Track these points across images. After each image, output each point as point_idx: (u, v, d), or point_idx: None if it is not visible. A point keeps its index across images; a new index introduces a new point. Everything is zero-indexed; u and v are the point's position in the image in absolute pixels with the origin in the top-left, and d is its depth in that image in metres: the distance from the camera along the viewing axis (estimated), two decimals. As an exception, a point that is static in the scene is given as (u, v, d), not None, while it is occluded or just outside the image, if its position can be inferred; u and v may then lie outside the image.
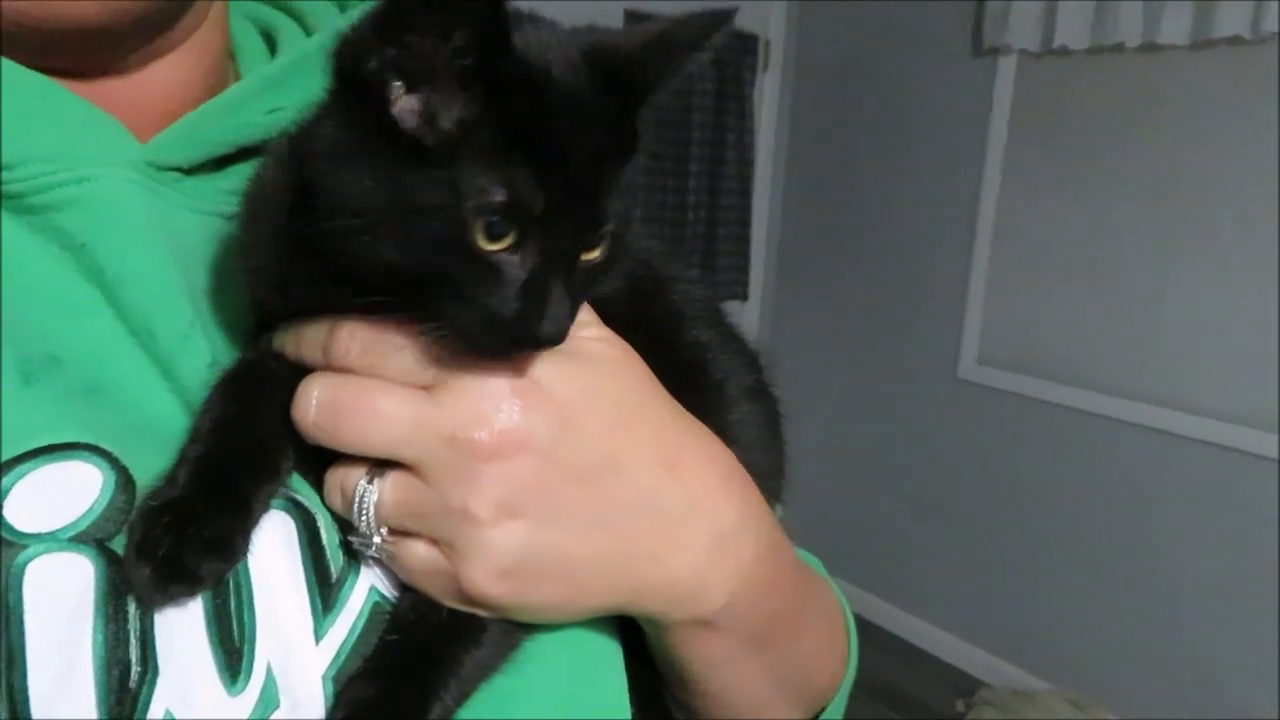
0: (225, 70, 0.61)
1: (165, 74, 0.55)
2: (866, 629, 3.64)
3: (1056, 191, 3.19)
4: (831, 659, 0.68)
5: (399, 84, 0.41)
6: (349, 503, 0.47)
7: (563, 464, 0.47)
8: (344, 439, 0.46)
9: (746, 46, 3.88)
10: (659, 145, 3.70)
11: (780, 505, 0.79)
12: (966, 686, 3.40)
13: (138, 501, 0.44)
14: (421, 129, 0.41)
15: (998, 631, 3.46)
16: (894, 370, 3.76)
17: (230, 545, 0.44)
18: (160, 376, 0.48)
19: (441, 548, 0.47)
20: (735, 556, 0.53)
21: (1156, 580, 3.00)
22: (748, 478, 0.56)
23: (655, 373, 0.53)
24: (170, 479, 0.44)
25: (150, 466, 0.45)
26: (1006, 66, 3.29)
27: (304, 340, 0.48)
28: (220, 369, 0.49)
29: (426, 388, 0.46)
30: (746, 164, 3.97)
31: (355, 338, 0.46)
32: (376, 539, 0.47)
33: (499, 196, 0.42)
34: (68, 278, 0.47)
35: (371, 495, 0.47)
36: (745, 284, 4.11)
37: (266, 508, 0.47)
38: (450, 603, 0.48)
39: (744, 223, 4.04)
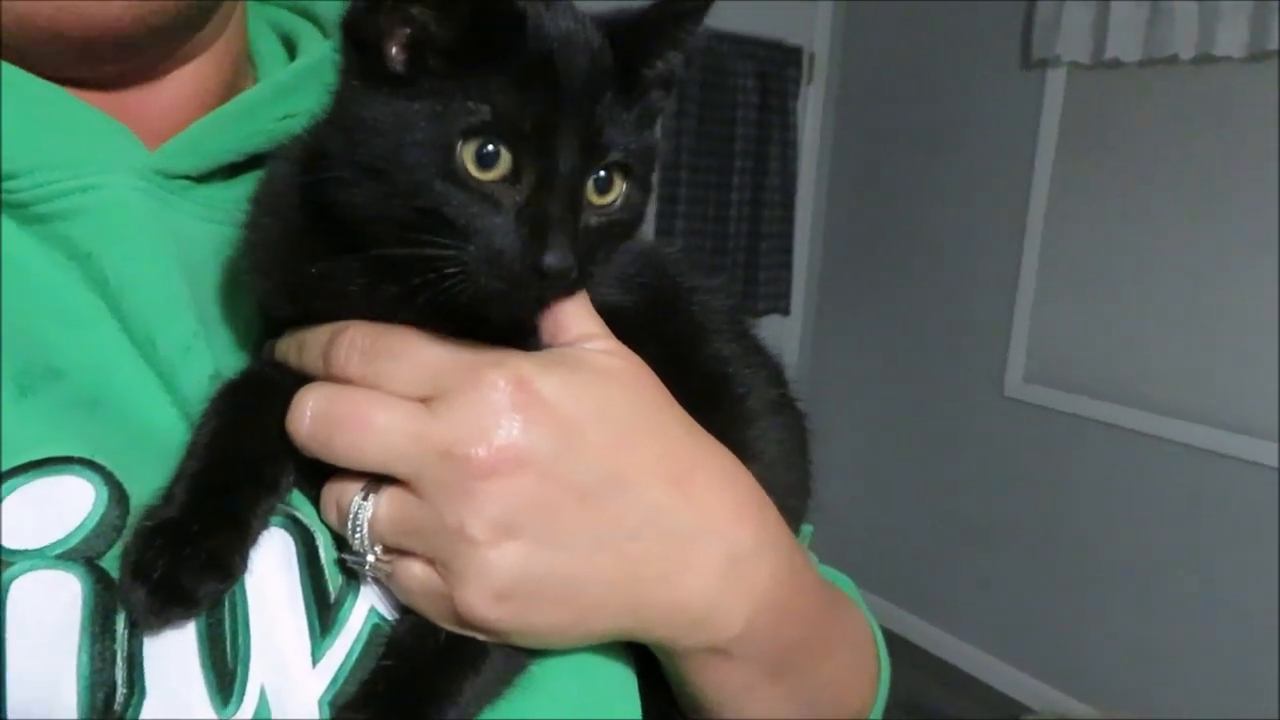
0: (244, 77, 0.60)
1: (184, 82, 0.55)
2: (908, 650, 3.60)
3: (1106, 206, 3.13)
4: (860, 683, 0.65)
5: (390, 30, 0.42)
6: (344, 519, 0.46)
7: (565, 482, 0.45)
8: (338, 452, 0.44)
9: (790, 58, 3.86)
10: (701, 157, 3.69)
11: (808, 523, 0.77)
12: (1010, 711, 3.32)
13: (132, 519, 0.43)
14: (412, 67, 0.42)
15: (1042, 655, 3.38)
16: (939, 387, 3.70)
17: (228, 565, 0.43)
18: (162, 388, 0.47)
19: (437, 568, 0.45)
20: (750, 581, 0.51)
21: (1207, 605, 2.91)
22: (766, 498, 0.54)
23: (672, 387, 0.51)
24: (167, 497, 0.43)
25: (150, 480, 0.44)
26: (1056, 79, 3.23)
27: (306, 347, 0.47)
28: (222, 380, 0.48)
29: (426, 400, 0.44)
30: (789, 176, 3.95)
31: (355, 345, 0.45)
32: (370, 557, 0.46)
33: (484, 115, 0.41)
34: (73, 287, 0.47)
35: (366, 511, 0.45)
36: (787, 298, 4.08)
37: (265, 524, 0.45)
38: (448, 625, 0.46)
39: (787, 236, 4.01)
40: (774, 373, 0.65)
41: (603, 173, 0.45)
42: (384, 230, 0.43)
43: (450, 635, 0.46)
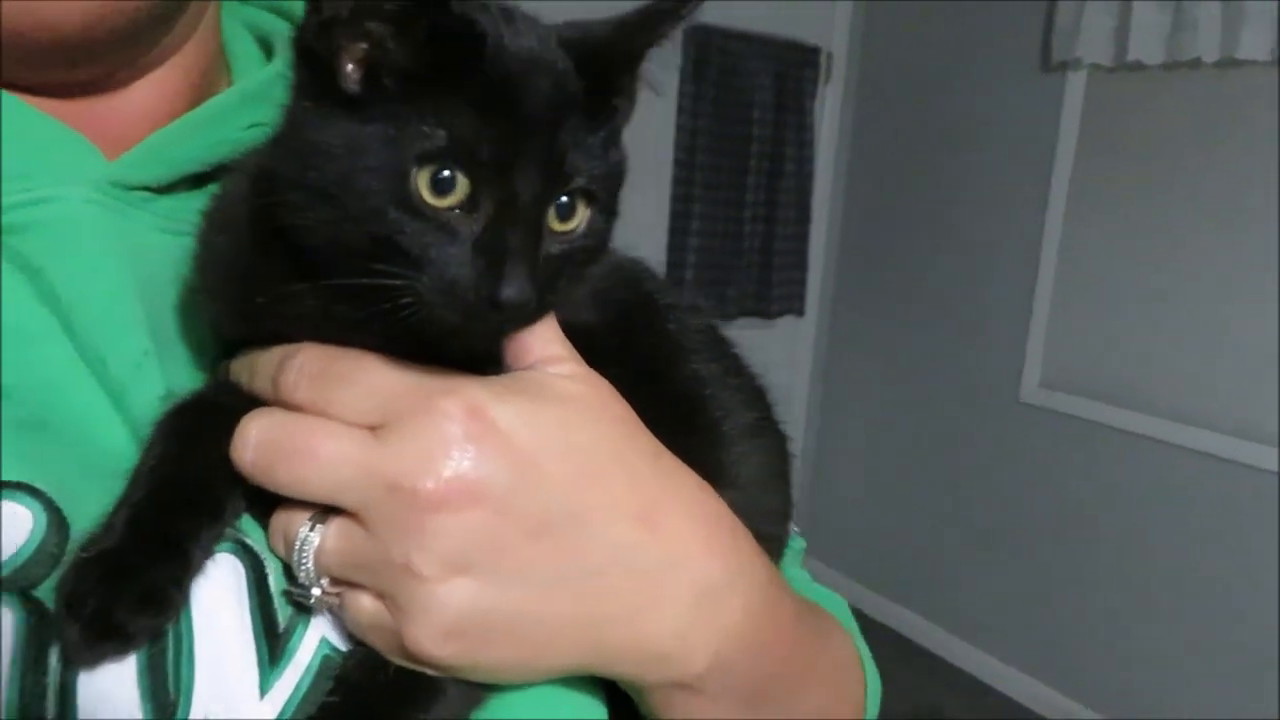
0: (218, 82, 0.58)
1: (151, 89, 0.53)
2: (921, 656, 3.58)
3: (1125, 211, 3.08)
4: (844, 710, 0.63)
5: (344, 46, 0.41)
6: (291, 549, 0.44)
7: (521, 517, 0.43)
8: (282, 482, 0.43)
9: (807, 59, 3.83)
10: (717, 157, 3.67)
11: (801, 538, 0.75)
12: (1022, 717, 3.29)
13: (72, 546, 0.41)
14: (367, 87, 0.41)
15: (1055, 662, 3.34)
16: (954, 392, 3.66)
17: (165, 599, 0.41)
18: (113, 408, 0.46)
19: (386, 602, 0.43)
20: (720, 615, 0.49)
21: (1224, 615, 2.87)
22: (739, 528, 0.52)
23: (644, 410, 0.49)
24: (107, 526, 0.42)
25: (96, 505, 0.43)
26: (1076, 82, 3.19)
27: (257, 370, 0.45)
28: (171, 401, 0.46)
29: (377, 429, 0.43)
30: (805, 178, 3.92)
31: (305, 370, 0.43)
32: (316, 590, 0.44)
33: (439, 140, 0.39)
34: (25, 304, 0.45)
35: (312, 543, 0.43)
36: (802, 300, 4.06)
37: (210, 553, 0.44)
38: (398, 660, 0.44)
39: (802, 237, 3.98)
40: (754, 394, 0.63)
41: (565, 199, 0.43)
42: (336, 257, 0.41)
43: (401, 669, 0.44)
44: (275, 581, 0.46)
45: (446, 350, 0.43)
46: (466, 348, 0.43)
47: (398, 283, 0.39)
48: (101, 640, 0.39)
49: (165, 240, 0.50)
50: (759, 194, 3.82)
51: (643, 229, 3.21)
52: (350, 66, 0.41)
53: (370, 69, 0.41)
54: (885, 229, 3.94)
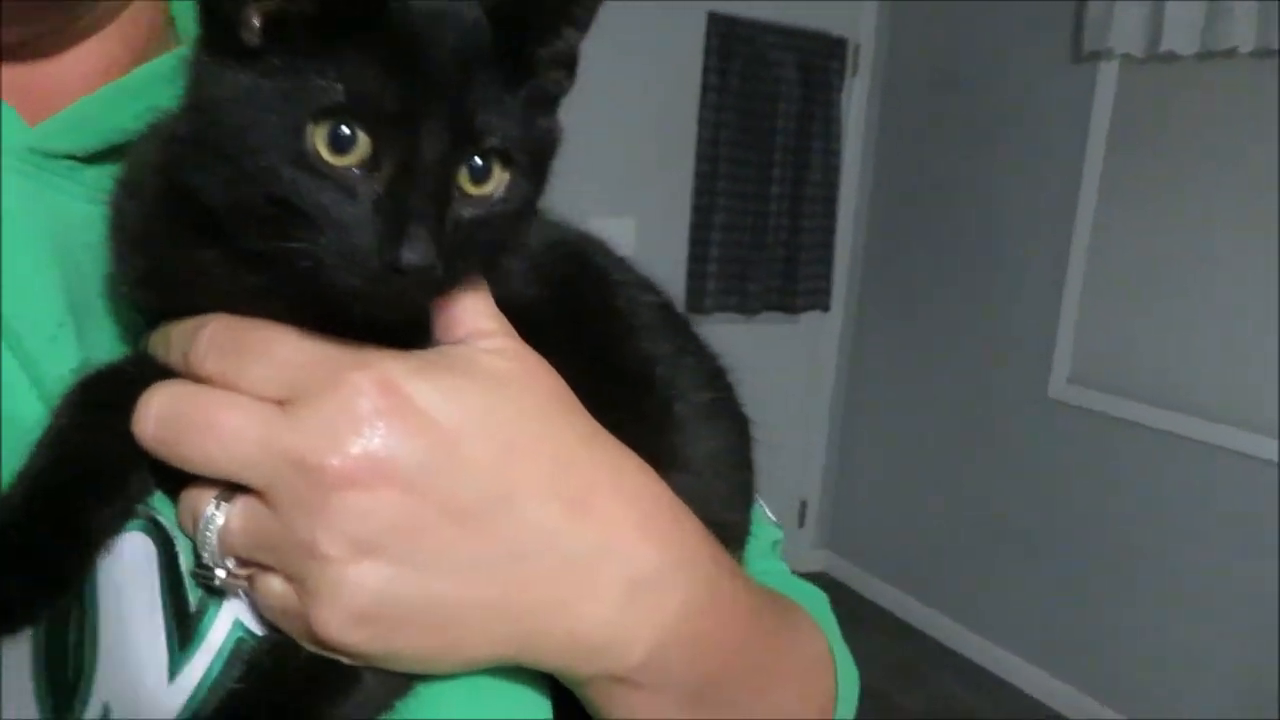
0: (164, 49, 0.55)
1: (85, 58, 0.51)
2: (943, 654, 3.55)
3: (1157, 204, 3.02)
4: (807, 712, 0.60)
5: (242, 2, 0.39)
6: (196, 528, 0.43)
7: (435, 498, 0.41)
8: (184, 457, 0.41)
9: (834, 51, 3.79)
10: (741, 150, 3.65)
11: (778, 526, 0.72)
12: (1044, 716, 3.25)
13: None
14: (267, 39, 0.38)
15: (1079, 662, 3.29)
16: (981, 388, 3.62)
17: (59, 578, 0.39)
18: (28, 381, 0.44)
19: (294, 585, 0.41)
20: (656, 607, 0.46)
21: (1254, 617, 2.81)
22: (683, 514, 0.50)
23: (586, 391, 0.47)
24: (3, 501, 0.40)
25: (7, 479, 0.41)
26: (1108, 72, 3.13)
27: (170, 342, 0.43)
28: (82, 372, 0.44)
29: (285, 403, 0.41)
30: (831, 171, 3.88)
31: (215, 341, 0.42)
32: (220, 572, 0.42)
33: (337, 95, 0.37)
34: None
35: (217, 521, 0.42)
36: (827, 294, 4.02)
37: (114, 530, 0.42)
38: (309, 646, 0.42)
39: (828, 231, 3.95)
40: (710, 374, 0.60)
41: (479, 161, 0.40)
42: (236, 219, 0.39)
43: (315, 656, 0.42)
44: (186, 561, 0.44)
45: (353, 319, 0.41)
46: (372, 316, 0.40)
47: (296, 245, 0.38)
48: None
49: (91, 211, 0.48)
50: (784, 187, 3.79)
51: (664, 222, 3.19)
52: (252, 18, 0.38)
53: (271, 21, 0.38)
54: (912, 223, 3.90)
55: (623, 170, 3.09)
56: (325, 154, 0.37)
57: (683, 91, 3.24)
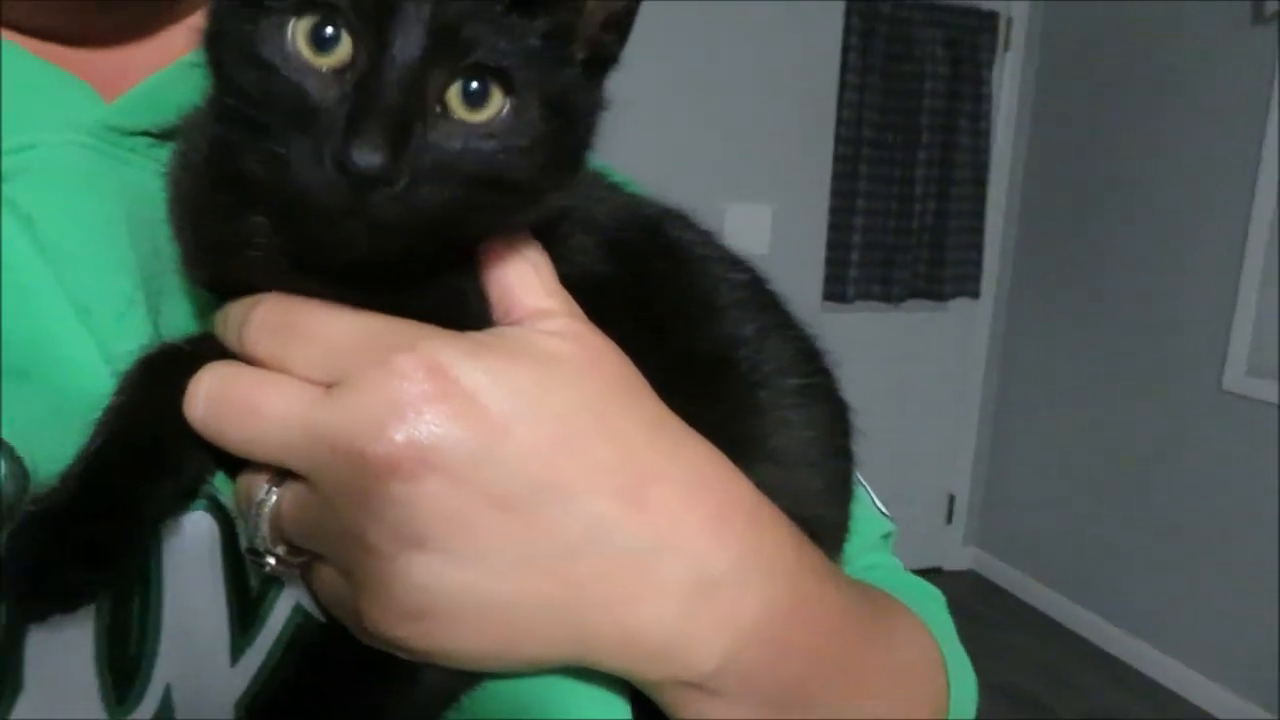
0: None
1: (162, 47, 0.51)
2: (1106, 662, 3.37)
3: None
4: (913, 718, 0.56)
5: None
6: (248, 512, 0.42)
7: (485, 488, 0.39)
8: (230, 440, 0.40)
9: (984, 24, 3.63)
10: (884, 132, 3.54)
11: (891, 521, 0.68)
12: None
13: (28, 498, 0.40)
14: None
15: (1260, 676, 3.05)
16: (1147, 380, 3.39)
17: (115, 556, 0.39)
18: (100, 357, 0.44)
19: (346, 576, 0.40)
20: (729, 610, 0.43)
21: None
22: (764, 509, 0.46)
23: (659, 374, 0.44)
24: (62, 479, 0.40)
25: (69, 458, 0.41)
26: (1293, 35, 2.88)
27: (228, 321, 0.43)
28: (144, 351, 0.44)
29: (330, 385, 0.39)
30: (982, 151, 3.73)
31: (266, 322, 0.41)
32: (270, 559, 0.41)
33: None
34: (21, 253, 0.44)
35: (269, 506, 0.41)
36: (976, 280, 3.86)
37: (174, 510, 0.42)
38: (363, 639, 0.41)
39: (978, 215, 3.79)
40: (802, 357, 0.56)
41: (474, 84, 0.37)
42: (242, 144, 0.38)
43: (372, 649, 0.41)
44: (243, 544, 0.43)
45: (325, 246, 0.39)
46: (326, 233, 0.38)
47: (271, 148, 0.36)
48: (41, 599, 0.38)
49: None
50: (931, 170, 3.66)
51: (801, 208, 3.12)
52: None
53: None
54: (1070, 204, 3.69)
55: (757, 155, 3.03)
56: (307, 53, 0.36)
57: (820, 72, 3.15)
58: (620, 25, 0.41)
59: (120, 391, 0.42)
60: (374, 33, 0.36)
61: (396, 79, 0.35)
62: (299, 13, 0.36)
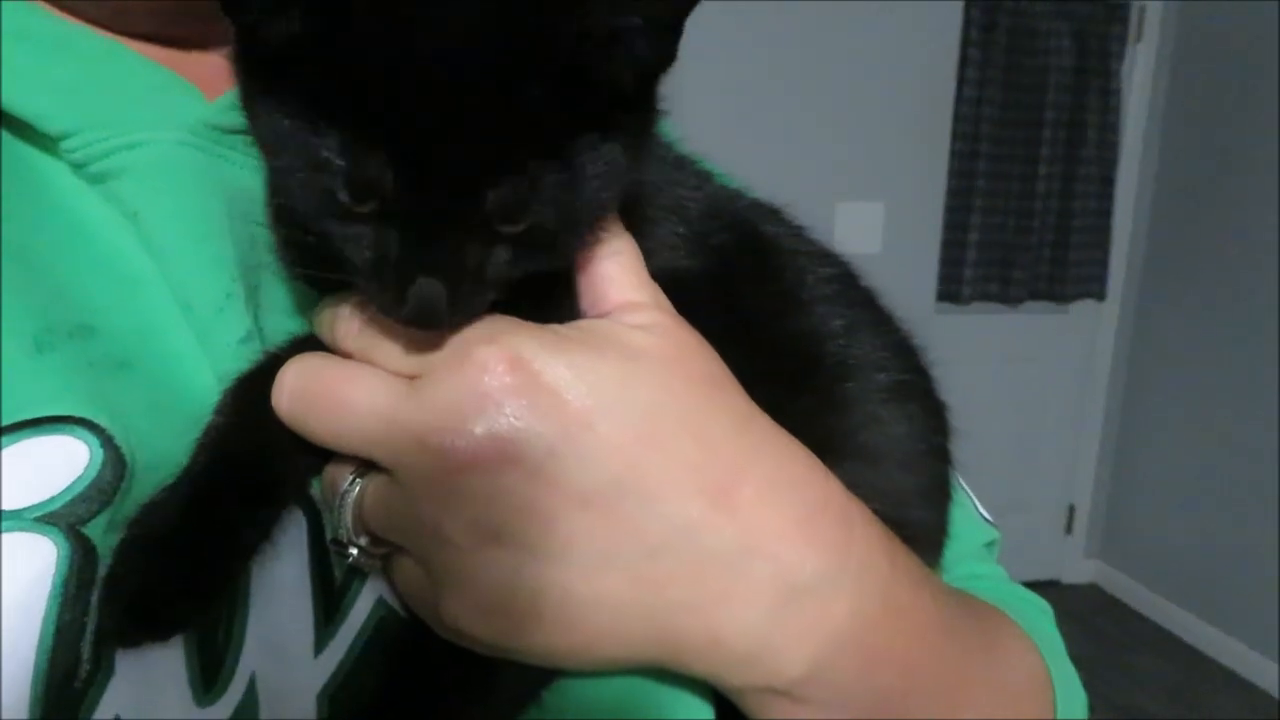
0: None
1: None
2: (1230, 681, 3.19)
3: None
4: None
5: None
6: (332, 503, 0.42)
7: (564, 483, 0.38)
8: (315, 432, 0.41)
9: (1114, 15, 3.48)
10: (1005, 129, 3.43)
11: (996, 529, 0.65)
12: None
13: (124, 487, 0.40)
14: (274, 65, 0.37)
15: None
16: (1286, 387, 3.21)
17: (208, 588, 0.40)
18: (200, 351, 0.45)
19: (425, 569, 0.40)
20: (817, 617, 0.42)
21: None
22: (854, 513, 0.45)
23: (745, 369, 0.44)
24: (160, 502, 0.40)
25: (167, 448, 0.42)
26: None
27: (323, 317, 0.43)
28: (254, 345, 0.45)
29: (414, 378, 0.40)
30: (1109, 148, 3.58)
31: (356, 315, 0.41)
32: (353, 550, 0.42)
33: (342, 168, 0.35)
34: (128, 248, 0.45)
35: (353, 497, 0.41)
36: (1102, 282, 3.72)
37: (267, 534, 0.42)
38: (442, 634, 0.41)
39: (1104, 213, 3.65)
40: (895, 353, 0.54)
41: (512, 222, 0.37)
42: (290, 241, 0.41)
43: (454, 645, 0.41)
44: (329, 534, 0.44)
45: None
46: None
47: (341, 278, 0.38)
48: (137, 629, 0.38)
49: None
50: (1054, 167, 3.53)
51: (915, 206, 3.04)
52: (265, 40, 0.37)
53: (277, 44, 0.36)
54: (1204, 203, 3.50)
55: (870, 153, 2.97)
56: (346, 200, 0.36)
57: (938, 67, 3.06)
58: (661, 28, 0.38)
59: (221, 411, 0.43)
60: (403, 203, 0.36)
61: (432, 241, 0.36)
62: (333, 178, 0.36)
